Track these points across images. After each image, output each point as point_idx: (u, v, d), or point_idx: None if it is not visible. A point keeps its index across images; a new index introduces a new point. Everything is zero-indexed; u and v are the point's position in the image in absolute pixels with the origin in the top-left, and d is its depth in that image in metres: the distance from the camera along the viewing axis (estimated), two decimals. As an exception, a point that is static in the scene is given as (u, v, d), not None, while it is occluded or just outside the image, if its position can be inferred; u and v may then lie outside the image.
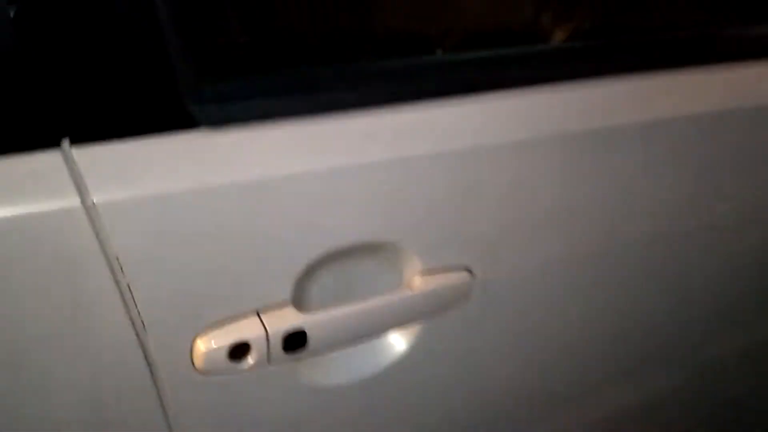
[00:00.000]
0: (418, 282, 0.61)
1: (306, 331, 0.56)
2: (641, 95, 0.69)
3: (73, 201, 0.46)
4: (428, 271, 0.61)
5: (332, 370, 0.61)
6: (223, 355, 0.54)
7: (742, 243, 0.84)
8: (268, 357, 0.55)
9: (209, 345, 0.53)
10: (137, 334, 0.50)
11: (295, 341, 0.56)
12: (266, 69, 0.56)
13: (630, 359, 0.85)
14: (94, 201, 0.46)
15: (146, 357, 0.51)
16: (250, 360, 0.55)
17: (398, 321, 0.62)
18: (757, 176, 0.79)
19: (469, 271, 0.63)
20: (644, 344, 0.84)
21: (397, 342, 0.63)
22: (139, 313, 0.50)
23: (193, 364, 0.53)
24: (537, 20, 0.73)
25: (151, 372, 0.52)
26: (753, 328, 0.98)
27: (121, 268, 0.48)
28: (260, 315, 0.55)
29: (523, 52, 0.67)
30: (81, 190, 0.46)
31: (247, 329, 0.54)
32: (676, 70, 0.71)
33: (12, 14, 0.43)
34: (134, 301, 0.49)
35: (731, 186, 0.77)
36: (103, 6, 0.46)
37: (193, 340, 0.53)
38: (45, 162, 0.46)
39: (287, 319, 0.55)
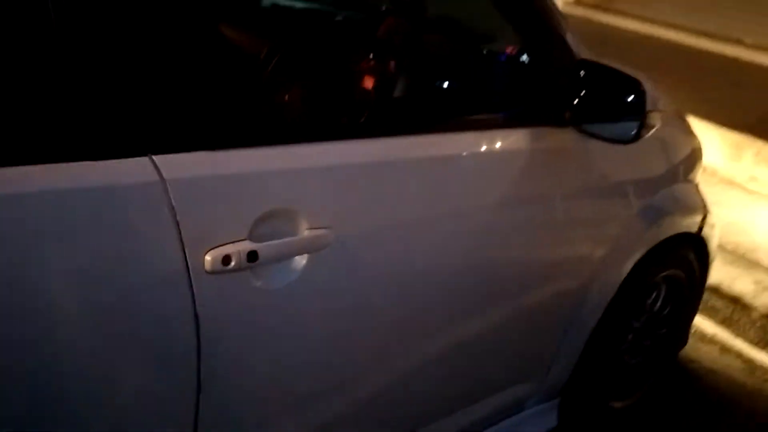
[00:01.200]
0: (306, 232, 1.21)
1: (257, 251, 1.13)
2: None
3: (155, 176, 1.02)
4: (311, 227, 1.21)
5: (266, 280, 1.17)
6: (219, 261, 1.09)
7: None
8: (239, 263, 1.11)
9: (212, 256, 1.08)
10: (181, 248, 1.05)
11: (252, 257, 1.12)
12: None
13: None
14: (165, 176, 1.02)
15: (185, 260, 1.05)
16: (231, 265, 1.10)
17: (296, 252, 1.21)
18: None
19: (331, 228, 1.24)
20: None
21: (300, 263, 1.21)
22: (184, 238, 1.04)
23: (204, 266, 1.08)
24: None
25: (187, 268, 1.06)
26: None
27: (176, 212, 1.03)
28: (235, 242, 1.11)
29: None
30: (159, 173, 1.02)
31: (229, 249, 1.10)
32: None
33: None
34: (180, 232, 1.04)
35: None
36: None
37: (205, 254, 1.08)
38: (141, 162, 1.02)
39: (248, 245, 1.12)
